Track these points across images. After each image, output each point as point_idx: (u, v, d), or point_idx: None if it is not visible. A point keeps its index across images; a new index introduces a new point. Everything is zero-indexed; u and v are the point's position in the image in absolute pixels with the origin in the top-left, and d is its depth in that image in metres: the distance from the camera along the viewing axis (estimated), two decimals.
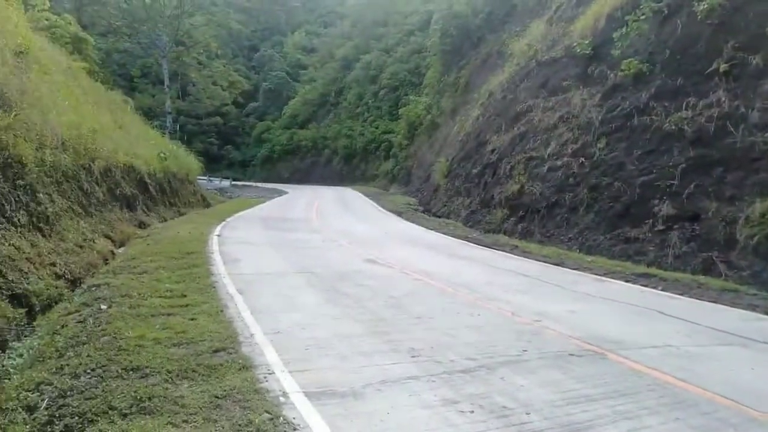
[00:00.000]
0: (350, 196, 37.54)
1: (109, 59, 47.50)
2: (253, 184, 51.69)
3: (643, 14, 15.86)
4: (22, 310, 8.09)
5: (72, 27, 31.21)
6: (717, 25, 13.63)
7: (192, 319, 7.13)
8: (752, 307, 8.86)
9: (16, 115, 10.82)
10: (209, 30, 60.26)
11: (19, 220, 10.28)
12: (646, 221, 13.02)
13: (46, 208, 11.18)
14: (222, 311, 7.66)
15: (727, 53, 13.07)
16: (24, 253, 9.80)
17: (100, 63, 37.78)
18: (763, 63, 12.37)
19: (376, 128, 53.71)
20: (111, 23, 47.87)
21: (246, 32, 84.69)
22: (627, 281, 11.01)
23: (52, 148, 12.27)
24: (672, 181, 12.88)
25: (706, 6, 13.82)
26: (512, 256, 14.25)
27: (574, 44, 18.53)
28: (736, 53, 12.90)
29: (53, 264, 10.45)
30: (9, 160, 10.32)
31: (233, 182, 48.21)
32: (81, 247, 11.77)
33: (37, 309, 8.56)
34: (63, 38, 27.11)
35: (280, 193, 40.99)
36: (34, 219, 10.85)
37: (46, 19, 26.56)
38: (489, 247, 15.60)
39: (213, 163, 55.67)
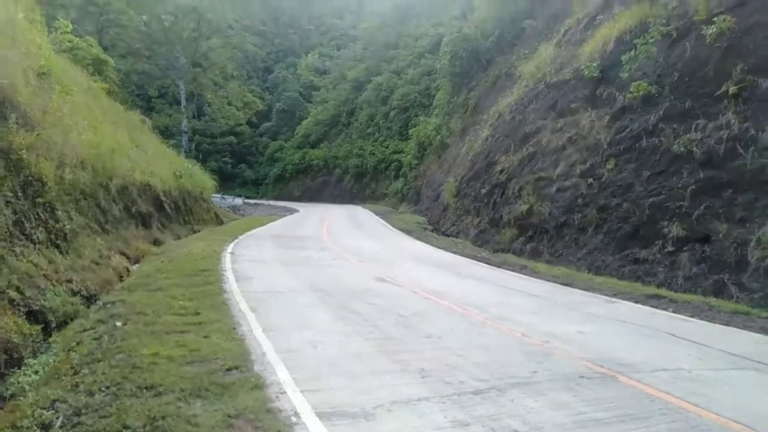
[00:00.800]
0: (360, 214, 37.70)
1: (128, 80, 48.39)
2: (265, 202, 52.13)
3: (651, 37, 16.01)
4: (38, 327, 8.17)
5: (93, 49, 31.93)
6: (726, 48, 13.72)
7: (205, 337, 7.21)
8: (765, 331, 8.79)
9: (38, 135, 11.08)
10: (225, 52, 61.33)
11: (37, 237, 10.45)
12: (656, 242, 13.01)
13: (64, 226, 11.37)
14: (234, 329, 7.74)
15: (736, 76, 13.13)
16: (41, 269, 9.94)
17: (120, 84, 38.53)
18: None
19: (387, 148, 54.12)
20: (131, 45, 48.89)
21: (261, 54, 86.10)
22: (637, 302, 10.97)
23: (72, 166, 12.52)
24: (681, 203, 12.88)
25: (714, 29, 13.94)
26: (521, 276, 14.26)
27: (583, 67, 18.71)
28: (746, 76, 12.96)
29: (69, 281, 10.61)
30: (30, 178, 10.55)
31: (246, 200, 48.65)
32: (97, 263, 11.95)
33: (53, 325, 8.64)
34: (84, 60, 27.74)
35: (292, 211, 41.26)
36: (52, 236, 11.04)
37: (69, 41, 27.23)
38: (498, 267, 15.62)
39: (227, 182, 56.27)
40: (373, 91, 61.55)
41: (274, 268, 13.93)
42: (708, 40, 14.13)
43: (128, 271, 12.86)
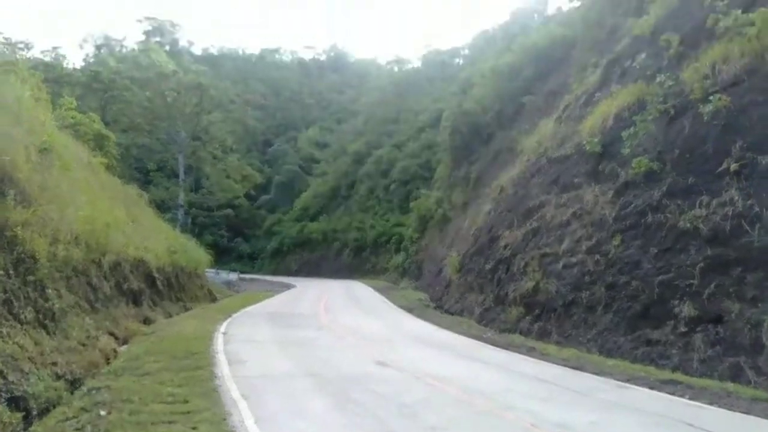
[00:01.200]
0: (360, 290, 37.11)
1: (127, 154, 49.24)
2: (261, 277, 51.49)
3: (650, 115, 16.25)
4: (20, 414, 7.74)
5: (95, 125, 32.66)
6: (723, 126, 13.85)
7: (194, 429, 6.83)
8: None
9: (34, 211, 10.97)
10: (226, 126, 62.83)
11: (25, 316, 10.14)
12: (668, 322, 12.54)
13: (53, 305, 11.02)
14: (225, 419, 7.32)
15: (735, 153, 13.17)
16: (27, 351, 9.58)
17: (119, 158, 39.08)
18: None
19: (387, 221, 54.26)
20: (132, 120, 50.14)
21: (261, 127, 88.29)
22: (652, 388, 10.38)
23: (66, 243, 12.33)
24: (691, 281, 12.53)
25: (711, 108, 14.14)
26: (529, 358, 13.64)
27: (584, 142, 18.90)
28: (745, 153, 13.00)
29: (55, 363, 10.13)
30: (22, 255, 10.36)
31: (241, 275, 48.08)
32: (84, 345, 11.48)
33: (35, 413, 8.18)
34: (86, 135, 28.24)
35: (288, 286, 40.68)
36: (41, 315, 10.67)
37: (72, 117, 27.82)
38: (505, 349, 15.00)
39: (222, 256, 55.88)
40: (374, 164, 62.54)
41: (268, 350, 13.38)
42: (705, 118, 14.30)
43: (116, 352, 12.33)
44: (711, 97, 14.25)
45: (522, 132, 29.29)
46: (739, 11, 14.92)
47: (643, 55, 18.51)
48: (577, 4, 34.63)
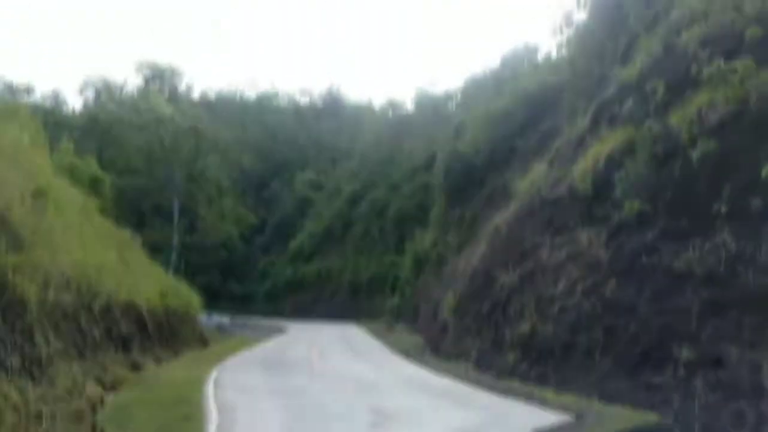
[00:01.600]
0: (355, 335, 36.49)
1: (122, 196, 49.24)
2: (253, 322, 50.30)
3: (640, 158, 16.44)
4: None
5: (91, 168, 32.80)
6: (712, 169, 14.06)
7: None
8: None
9: (26, 256, 10.89)
10: (222, 168, 63.14)
11: (11, 364, 9.95)
12: (667, 366, 12.38)
13: (41, 351, 10.82)
14: None
15: (725, 195, 13.33)
16: (11, 401, 9.36)
17: (114, 200, 39.07)
18: (762, 205, 12.56)
19: (382, 262, 54.00)
20: (129, 163, 50.40)
21: (257, 169, 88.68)
22: None
23: (57, 287, 12.17)
24: (689, 325, 12.46)
25: (699, 152, 14.37)
26: (528, 406, 13.30)
27: (576, 185, 19.04)
28: (735, 195, 13.16)
29: (39, 415, 9.88)
30: (12, 301, 10.23)
31: (233, 318, 47.21)
32: (70, 393, 11.20)
33: None
34: (82, 179, 28.29)
35: (282, 330, 39.98)
36: (27, 363, 10.47)
37: (69, 162, 27.95)
38: (503, 395, 14.66)
39: (215, 298, 55.04)
40: (369, 204, 62.69)
41: (260, 400, 12.98)
42: (694, 162, 14.50)
43: (102, 401, 11.94)
44: (699, 142, 14.50)
45: (515, 174, 29.55)
46: (722, 60, 15.33)
47: (631, 102, 18.90)
48: (565, 52, 35.54)
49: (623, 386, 13.20)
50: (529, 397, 14.19)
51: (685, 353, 12.09)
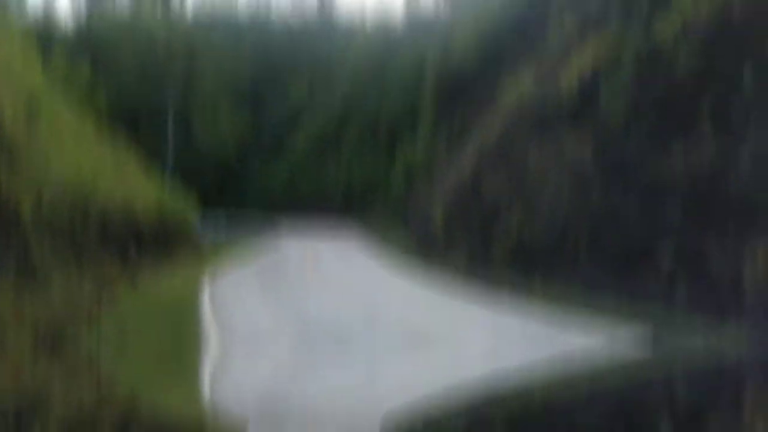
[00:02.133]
0: (349, 246, 36.51)
1: (116, 103, 48.38)
2: (247, 228, 49.97)
3: (625, 65, 16.56)
4: None
5: (85, 76, 32.18)
6: (695, 78, 14.32)
7: None
8: None
9: (20, 167, 10.96)
10: (217, 76, 61.54)
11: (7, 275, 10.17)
12: (652, 262, 13.36)
13: (36, 262, 11.05)
14: None
15: (707, 102, 13.85)
16: (7, 311, 9.77)
17: (108, 107, 38.51)
18: (743, 110, 13.01)
19: (375, 171, 54.06)
20: (123, 70, 49.22)
21: (251, 82, 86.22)
22: None
23: (51, 198, 12.25)
24: (673, 222, 13.30)
25: (682, 61, 14.62)
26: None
27: (563, 93, 19.18)
28: (717, 102, 13.63)
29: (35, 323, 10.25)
30: (6, 213, 10.36)
31: (227, 224, 46.91)
32: (66, 301, 11.43)
33: None
34: (76, 87, 27.76)
35: (277, 238, 39.54)
36: (22, 273, 10.70)
37: (62, 71, 27.37)
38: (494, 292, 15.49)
39: (209, 205, 55.19)
40: (361, 115, 61.65)
41: (251, 294, 13.43)
42: (677, 70, 14.82)
43: (99, 308, 12.23)
44: (681, 51, 14.67)
45: (503, 82, 29.11)
46: None
47: (616, 9, 18.66)
48: None
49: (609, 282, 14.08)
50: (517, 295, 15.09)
51: (669, 249, 13.01)
